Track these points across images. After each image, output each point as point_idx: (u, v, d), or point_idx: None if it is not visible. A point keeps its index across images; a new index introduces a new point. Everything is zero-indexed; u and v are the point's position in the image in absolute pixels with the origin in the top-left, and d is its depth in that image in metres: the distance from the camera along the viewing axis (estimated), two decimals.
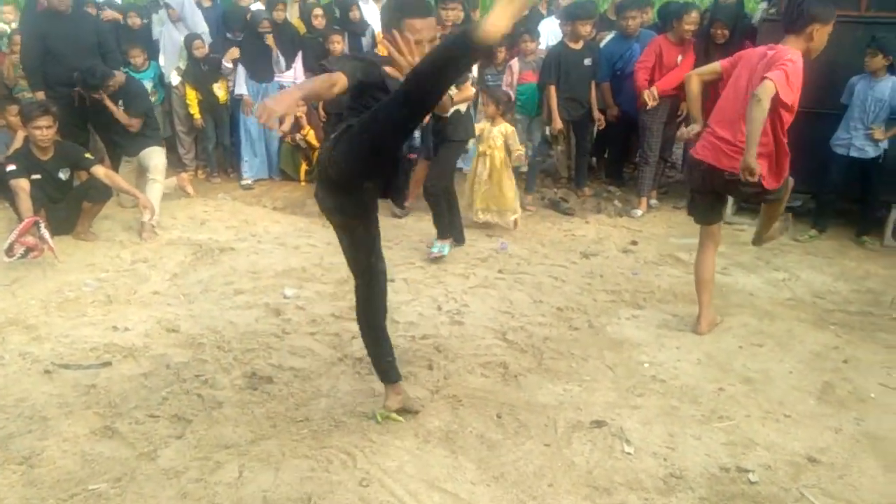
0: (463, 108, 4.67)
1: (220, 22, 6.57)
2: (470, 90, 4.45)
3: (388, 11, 2.59)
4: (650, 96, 5.55)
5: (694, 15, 5.60)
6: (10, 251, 4.31)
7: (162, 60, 6.36)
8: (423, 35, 2.47)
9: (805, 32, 3.34)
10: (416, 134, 6.12)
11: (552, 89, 5.81)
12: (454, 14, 5.46)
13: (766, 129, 3.36)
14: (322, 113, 6.62)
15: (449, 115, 4.46)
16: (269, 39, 6.18)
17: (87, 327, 3.72)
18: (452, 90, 4.35)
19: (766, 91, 3.21)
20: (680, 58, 5.63)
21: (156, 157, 5.42)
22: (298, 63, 6.56)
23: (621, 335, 3.77)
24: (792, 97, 3.29)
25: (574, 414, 3.02)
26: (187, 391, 3.11)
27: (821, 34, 3.35)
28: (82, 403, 3.02)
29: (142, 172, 5.51)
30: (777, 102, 3.27)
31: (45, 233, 4.46)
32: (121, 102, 5.37)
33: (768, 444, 2.86)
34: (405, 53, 2.45)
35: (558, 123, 5.82)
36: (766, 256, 4.84)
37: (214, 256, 4.81)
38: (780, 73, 3.24)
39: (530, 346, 3.61)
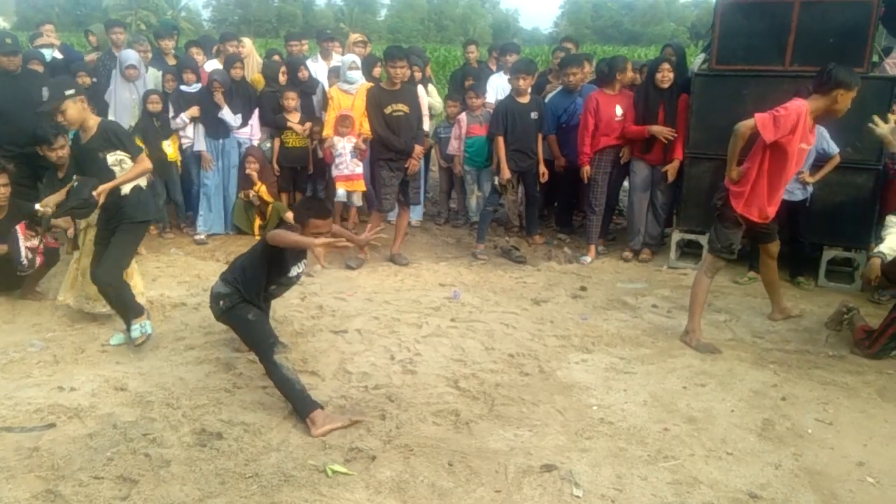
0: (143, 182, 4.26)
1: (177, 75, 6.64)
2: (146, 163, 4.19)
3: (299, 209, 3.64)
4: (585, 173, 6.04)
5: (627, 66, 5.91)
6: None
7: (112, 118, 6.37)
8: (321, 229, 3.51)
9: (830, 95, 3.82)
10: (341, 192, 6.31)
11: (500, 140, 6.01)
12: (402, 71, 5.67)
13: (755, 160, 4.03)
14: (276, 167, 6.70)
15: (128, 191, 4.14)
16: (218, 96, 6.28)
17: (31, 388, 3.64)
18: (127, 162, 4.13)
19: (744, 124, 3.91)
20: (619, 109, 5.90)
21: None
22: (255, 120, 6.65)
23: (571, 379, 3.85)
24: (771, 136, 3.83)
25: (524, 459, 3.07)
26: (134, 451, 3.06)
27: (844, 98, 3.82)
28: (24, 467, 2.95)
29: None
30: (760, 140, 3.90)
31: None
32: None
33: (712, 481, 2.94)
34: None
35: (506, 173, 6.00)
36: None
37: (166, 312, 4.78)
38: (767, 114, 3.82)
39: (482, 393, 3.65)
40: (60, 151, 5.21)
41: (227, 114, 6.36)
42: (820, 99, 3.89)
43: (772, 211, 4.20)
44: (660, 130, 5.73)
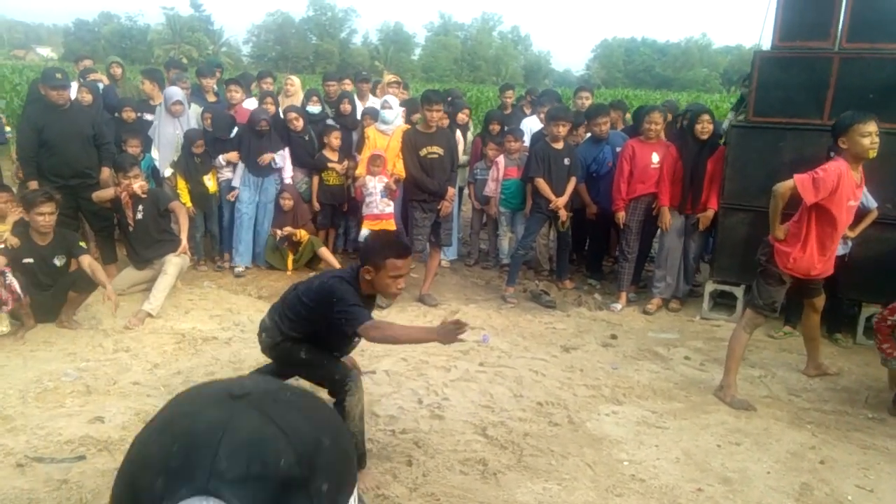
0: None
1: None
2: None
3: (372, 247, 3.11)
4: (621, 219, 6.01)
5: (654, 115, 5.93)
6: None
7: (155, 153, 6.54)
8: (401, 271, 3.05)
9: (850, 138, 3.86)
10: (364, 232, 6.30)
11: (541, 181, 6.03)
12: (438, 115, 5.75)
13: (803, 219, 4.03)
14: (316, 205, 6.80)
15: None
16: (266, 158, 6.47)
17: (63, 419, 3.67)
18: None
19: (784, 185, 3.94)
20: (655, 156, 5.89)
21: (177, 257, 5.58)
22: (287, 159, 6.74)
23: (601, 432, 3.79)
24: (811, 197, 3.86)
25: None
26: None
27: (851, 141, 3.86)
28: (53, 499, 2.96)
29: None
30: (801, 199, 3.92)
31: (14, 282, 4.50)
32: (140, 207, 5.54)
33: None
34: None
35: (561, 201, 6.02)
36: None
37: (197, 346, 4.82)
38: (807, 176, 3.87)
39: (510, 443, 3.60)
40: (134, 181, 5.42)
41: (282, 165, 6.60)
42: (846, 150, 3.90)
43: (823, 268, 4.15)
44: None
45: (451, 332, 2.89)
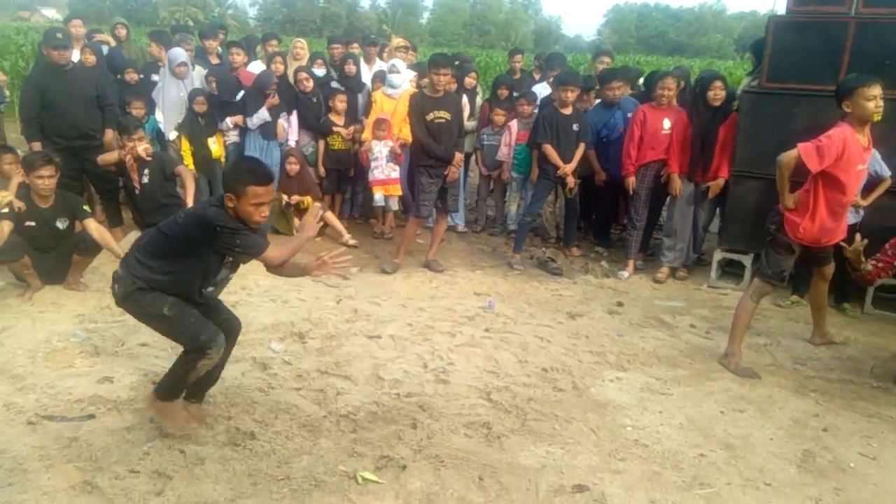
0: None
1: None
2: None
3: (235, 174, 2.97)
4: (630, 184, 5.93)
5: (668, 80, 5.82)
6: None
7: (160, 116, 6.50)
8: (262, 199, 2.95)
9: (854, 102, 3.82)
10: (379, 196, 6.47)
11: (549, 147, 5.97)
12: (445, 79, 5.67)
13: (811, 187, 3.99)
14: (322, 169, 6.77)
15: None
16: (279, 130, 6.45)
17: (73, 378, 3.72)
18: None
19: (788, 155, 3.90)
20: (667, 122, 5.81)
21: None
22: (294, 122, 6.69)
23: (605, 397, 3.80)
24: (816, 166, 3.83)
25: (556, 477, 3.03)
26: (169, 446, 3.10)
27: (855, 104, 3.81)
28: (64, 456, 3.01)
29: None
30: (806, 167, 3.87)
31: None
32: (146, 171, 5.49)
33: None
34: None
35: (568, 168, 5.98)
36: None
37: None
38: (810, 144, 3.83)
39: (514, 407, 3.63)
40: (139, 144, 5.31)
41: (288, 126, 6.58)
42: (851, 113, 3.85)
43: (835, 236, 4.11)
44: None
45: (323, 265, 3.05)
